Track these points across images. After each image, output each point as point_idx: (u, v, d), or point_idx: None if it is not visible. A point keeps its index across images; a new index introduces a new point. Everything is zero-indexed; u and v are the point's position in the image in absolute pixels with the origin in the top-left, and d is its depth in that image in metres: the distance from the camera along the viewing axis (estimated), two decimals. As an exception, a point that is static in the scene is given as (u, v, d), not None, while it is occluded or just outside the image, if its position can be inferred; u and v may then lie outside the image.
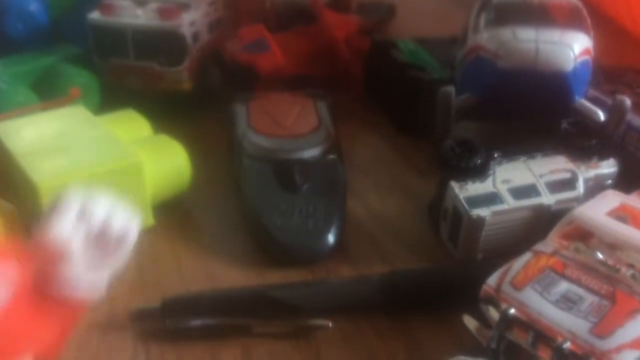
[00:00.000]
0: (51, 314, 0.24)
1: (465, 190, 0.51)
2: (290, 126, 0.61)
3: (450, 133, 0.58)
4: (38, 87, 0.70)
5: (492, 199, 0.50)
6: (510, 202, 0.50)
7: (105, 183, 0.51)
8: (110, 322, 0.46)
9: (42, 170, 0.51)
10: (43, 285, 0.24)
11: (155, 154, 0.57)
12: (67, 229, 0.24)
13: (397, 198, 0.60)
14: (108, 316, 0.46)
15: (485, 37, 0.56)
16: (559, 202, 0.50)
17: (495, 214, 0.49)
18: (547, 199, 0.50)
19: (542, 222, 0.50)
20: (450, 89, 0.56)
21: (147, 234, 0.53)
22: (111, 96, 0.70)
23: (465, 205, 0.50)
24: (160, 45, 0.69)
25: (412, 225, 0.56)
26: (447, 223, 0.52)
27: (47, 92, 0.69)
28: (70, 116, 0.59)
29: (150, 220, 0.55)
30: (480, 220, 0.49)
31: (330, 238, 0.52)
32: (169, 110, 0.67)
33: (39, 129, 0.57)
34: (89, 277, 0.25)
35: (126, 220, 0.25)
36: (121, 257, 0.26)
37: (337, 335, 0.44)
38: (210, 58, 0.74)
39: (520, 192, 0.51)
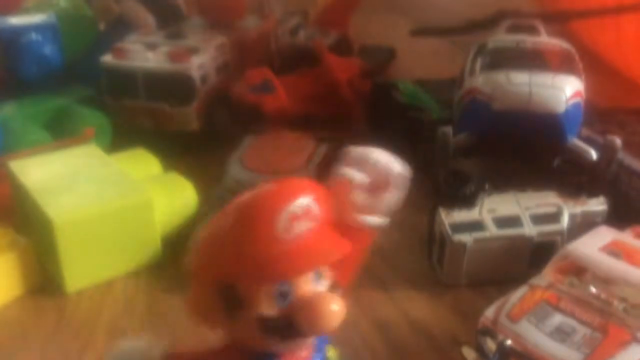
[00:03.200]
0: (346, 238, 0.30)
1: (451, 217, 0.53)
2: (276, 163, 0.62)
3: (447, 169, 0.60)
4: (52, 127, 0.71)
5: (475, 226, 0.52)
6: (493, 230, 0.52)
7: (117, 219, 0.54)
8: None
9: (56, 207, 0.52)
10: (340, 213, 0.30)
11: (164, 191, 0.58)
12: (354, 170, 0.31)
13: (397, 233, 0.60)
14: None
15: (481, 81, 0.58)
16: (541, 234, 0.52)
17: (477, 240, 0.51)
18: (530, 230, 0.52)
19: (525, 252, 0.52)
20: (448, 129, 0.58)
21: (155, 267, 0.55)
22: (123, 135, 0.72)
23: (449, 230, 0.52)
24: (170, 87, 0.71)
25: (409, 257, 0.58)
26: (436, 247, 0.54)
27: (61, 131, 0.70)
28: (83, 155, 0.61)
29: (159, 254, 0.57)
30: (462, 245, 0.51)
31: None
32: (178, 149, 0.69)
33: (53, 167, 0.59)
34: (373, 206, 0.32)
35: (398, 164, 0.32)
36: (395, 194, 0.32)
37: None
38: (218, 99, 0.75)
39: (504, 221, 0.53)
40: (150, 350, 0.31)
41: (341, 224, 0.30)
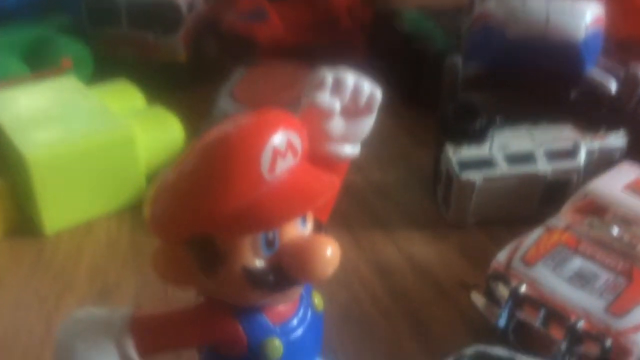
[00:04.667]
0: (322, 171, 0.26)
1: (459, 154, 0.50)
2: (269, 96, 0.59)
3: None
4: (29, 57, 0.68)
5: (485, 163, 0.49)
6: (504, 168, 0.49)
7: (98, 155, 0.51)
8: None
9: (31, 143, 0.49)
10: (314, 143, 0.27)
11: (149, 126, 0.55)
12: (327, 96, 0.27)
13: (399, 170, 0.59)
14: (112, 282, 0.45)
15: (494, 5, 0.54)
16: (556, 171, 0.49)
17: (486, 179, 0.48)
18: (544, 167, 0.49)
19: (538, 190, 0.49)
20: (457, 59, 0.55)
21: (139, 206, 0.52)
22: (104, 67, 0.69)
23: (456, 168, 0.49)
24: (155, 14, 0.67)
25: (412, 195, 0.55)
26: (442, 186, 0.51)
27: (39, 62, 0.67)
28: (62, 87, 0.58)
29: (144, 193, 0.53)
30: (470, 184, 0.48)
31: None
32: (164, 82, 0.66)
33: (30, 100, 0.56)
34: (348, 134, 0.28)
35: (371, 86, 0.29)
36: (371, 119, 0.29)
37: (342, 317, 0.43)
38: (206, 28, 0.72)
39: (516, 158, 0.50)
40: (110, 317, 0.26)
41: (314, 155, 0.27)
